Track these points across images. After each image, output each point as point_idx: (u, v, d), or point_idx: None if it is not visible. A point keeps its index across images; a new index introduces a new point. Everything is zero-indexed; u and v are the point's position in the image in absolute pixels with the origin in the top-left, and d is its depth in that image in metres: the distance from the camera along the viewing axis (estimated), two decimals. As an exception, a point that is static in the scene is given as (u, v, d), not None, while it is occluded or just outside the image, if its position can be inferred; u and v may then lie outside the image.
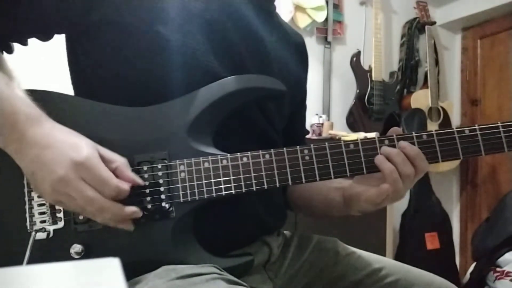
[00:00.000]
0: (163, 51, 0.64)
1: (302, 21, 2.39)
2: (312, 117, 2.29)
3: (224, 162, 0.62)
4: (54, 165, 0.55)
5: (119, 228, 0.59)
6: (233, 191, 0.62)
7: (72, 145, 0.56)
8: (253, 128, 0.73)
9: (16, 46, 0.67)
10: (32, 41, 0.67)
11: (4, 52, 0.66)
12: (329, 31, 2.48)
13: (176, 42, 0.64)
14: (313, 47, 2.46)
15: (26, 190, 0.62)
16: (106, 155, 0.58)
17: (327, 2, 2.45)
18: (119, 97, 0.64)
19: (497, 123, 0.67)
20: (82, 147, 0.56)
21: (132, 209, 0.58)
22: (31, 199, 0.61)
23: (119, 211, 0.57)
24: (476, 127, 0.66)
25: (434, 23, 2.63)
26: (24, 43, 0.67)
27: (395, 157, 0.64)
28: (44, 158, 0.55)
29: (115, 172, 0.58)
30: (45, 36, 0.67)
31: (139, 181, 0.60)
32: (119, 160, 0.59)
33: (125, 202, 0.58)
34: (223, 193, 0.62)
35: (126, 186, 0.58)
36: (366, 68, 2.47)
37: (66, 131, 0.58)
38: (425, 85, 2.62)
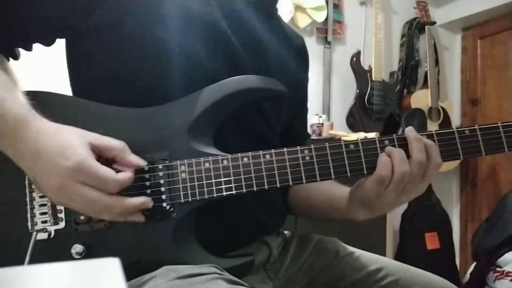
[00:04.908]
0: (162, 53, 0.64)
1: (302, 21, 2.39)
2: (312, 117, 2.29)
3: (225, 162, 0.62)
4: (49, 175, 0.54)
5: (129, 222, 0.58)
6: (233, 192, 0.62)
7: (61, 151, 0.54)
8: (250, 129, 0.73)
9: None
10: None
11: (10, 59, 0.66)
12: (329, 31, 2.48)
13: (175, 44, 0.64)
14: (313, 47, 2.46)
15: (27, 190, 0.62)
16: (102, 144, 0.57)
17: (327, 2, 2.45)
18: (118, 98, 0.64)
19: (497, 123, 0.67)
20: (71, 149, 0.54)
21: (140, 199, 0.58)
22: (32, 199, 0.61)
23: (127, 204, 0.57)
24: (476, 127, 0.66)
25: (434, 23, 2.63)
26: (29, 48, 0.67)
27: (395, 154, 0.63)
28: (38, 167, 0.55)
29: (114, 159, 0.58)
30: (47, 40, 0.67)
31: (142, 162, 0.60)
32: (117, 146, 0.58)
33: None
34: (224, 193, 0.62)
35: (128, 174, 0.57)
36: (366, 68, 2.47)
37: (54, 131, 0.55)
38: (425, 85, 2.62)
